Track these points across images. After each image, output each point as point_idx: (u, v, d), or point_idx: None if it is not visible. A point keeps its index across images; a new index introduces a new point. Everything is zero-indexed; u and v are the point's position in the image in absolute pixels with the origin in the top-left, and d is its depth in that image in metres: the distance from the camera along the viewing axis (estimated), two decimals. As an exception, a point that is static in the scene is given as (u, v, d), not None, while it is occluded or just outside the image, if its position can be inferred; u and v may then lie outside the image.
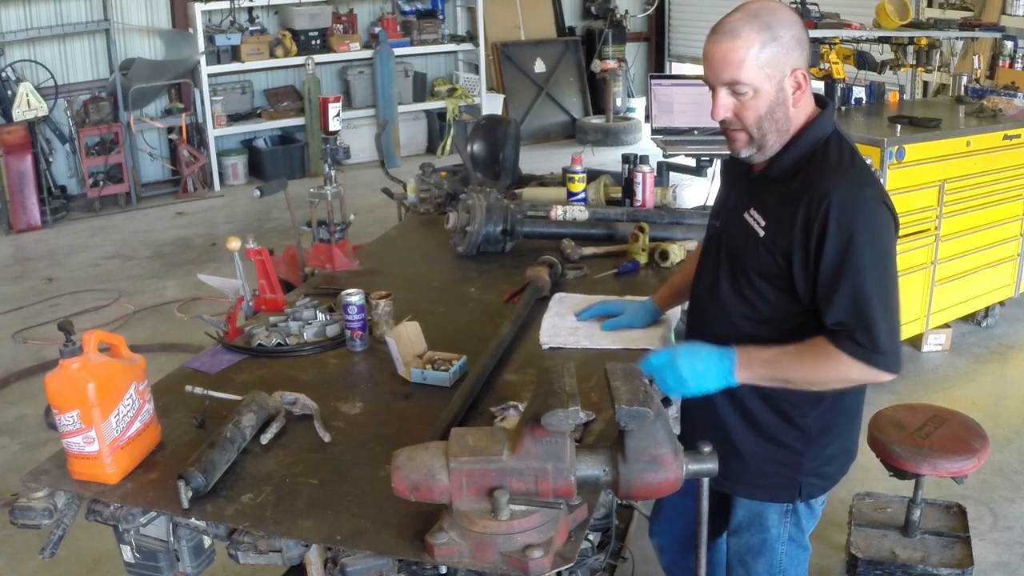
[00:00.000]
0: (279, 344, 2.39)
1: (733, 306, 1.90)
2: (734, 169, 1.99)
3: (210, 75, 7.77)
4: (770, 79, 1.72)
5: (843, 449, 2.00)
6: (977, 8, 6.23)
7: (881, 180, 1.78)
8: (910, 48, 5.00)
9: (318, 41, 8.21)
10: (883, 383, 1.78)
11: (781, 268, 1.79)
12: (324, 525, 1.67)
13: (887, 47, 5.08)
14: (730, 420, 1.93)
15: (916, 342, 4.61)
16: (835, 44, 4.75)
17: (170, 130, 7.79)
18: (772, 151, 1.81)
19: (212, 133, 7.83)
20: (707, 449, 1.60)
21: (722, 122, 1.80)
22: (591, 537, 1.95)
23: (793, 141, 1.80)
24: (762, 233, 1.81)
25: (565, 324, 2.42)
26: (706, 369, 1.77)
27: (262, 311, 2.61)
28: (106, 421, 1.77)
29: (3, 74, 6.98)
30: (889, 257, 1.79)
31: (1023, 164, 4.48)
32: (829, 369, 1.74)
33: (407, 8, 8.83)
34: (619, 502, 2.27)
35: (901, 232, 3.53)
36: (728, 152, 1.92)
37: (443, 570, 1.61)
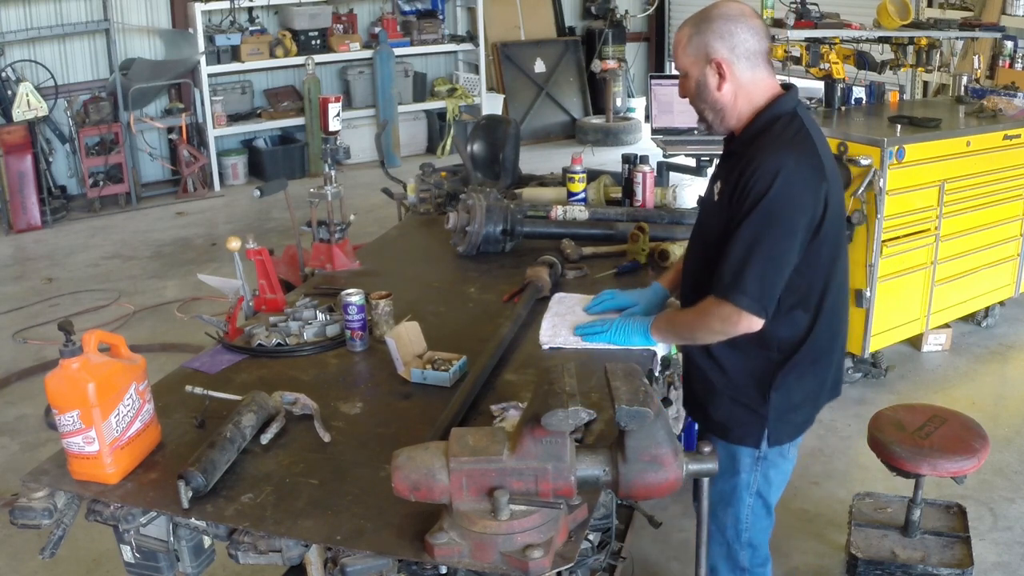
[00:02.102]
0: (279, 344, 2.39)
1: (706, 278, 2.06)
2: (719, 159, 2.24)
3: (210, 75, 7.77)
4: (696, 65, 2.02)
5: (807, 398, 2.14)
6: (977, 8, 6.23)
7: (821, 147, 2.02)
8: (910, 48, 5.00)
9: (318, 41, 8.20)
10: (755, 330, 1.98)
11: (728, 221, 2.00)
12: (324, 525, 1.67)
13: (887, 47, 5.08)
14: (708, 370, 2.15)
15: (916, 342, 4.61)
16: (835, 44, 4.75)
17: (170, 130, 7.79)
18: (716, 127, 2.09)
19: (212, 133, 7.83)
20: (707, 449, 1.60)
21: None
22: (591, 537, 1.95)
23: (752, 120, 2.03)
24: (717, 198, 2.07)
25: (565, 324, 2.42)
26: (629, 331, 2.24)
27: (262, 311, 2.61)
28: (106, 421, 1.77)
29: (3, 74, 6.98)
30: (786, 225, 1.94)
31: (1023, 164, 4.47)
32: (708, 317, 2.02)
33: (407, 8, 8.83)
34: (619, 502, 2.27)
35: (901, 232, 3.68)
36: None
37: (443, 570, 1.61)
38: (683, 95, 2.11)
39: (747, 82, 2.00)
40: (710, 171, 4.70)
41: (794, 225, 1.93)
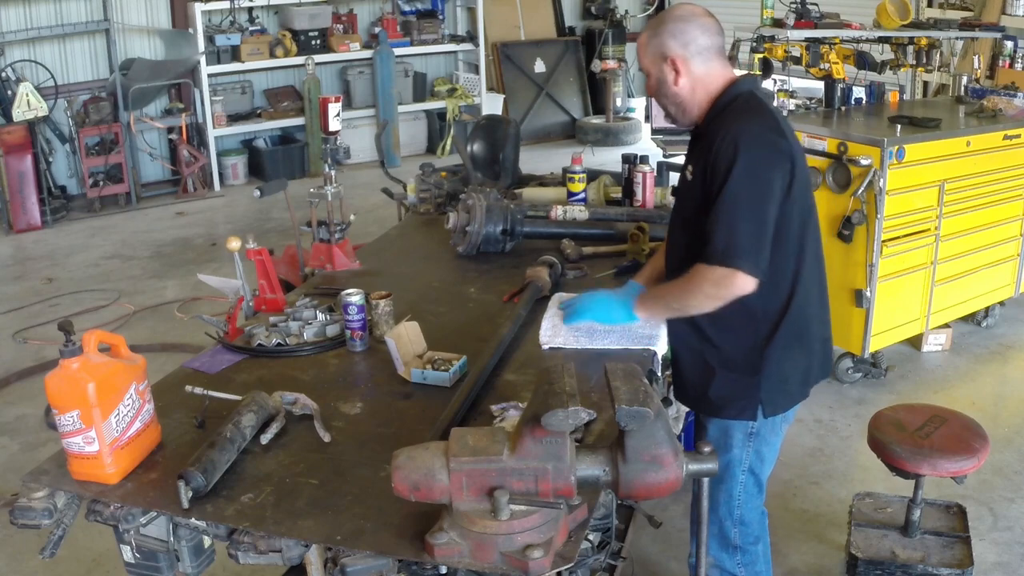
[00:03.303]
0: (279, 344, 2.39)
1: (691, 259, 2.13)
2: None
3: (210, 75, 7.76)
4: (655, 64, 2.17)
5: (797, 370, 2.22)
6: (977, 8, 6.23)
7: (781, 120, 2.17)
8: (910, 48, 5.00)
9: (318, 41, 8.20)
10: (748, 291, 2.03)
11: (704, 198, 2.09)
12: (324, 525, 1.67)
13: (887, 47, 5.08)
14: (703, 351, 2.20)
15: (916, 342, 4.61)
16: (835, 44, 4.75)
17: (170, 130, 7.79)
18: (680, 119, 2.22)
19: (212, 133, 7.83)
20: (707, 449, 1.60)
21: None
22: (591, 537, 1.95)
23: (712, 105, 2.15)
24: (691, 178, 2.18)
25: (565, 324, 2.42)
26: (611, 307, 2.28)
27: (262, 311, 2.61)
28: (106, 421, 1.77)
29: (3, 74, 6.98)
30: (762, 182, 2.04)
31: (1023, 164, 4.47)
32: (702, 282, 2.06)
33: (407, 8, 8.83)
34: (619, 502, 2.27)
35: (900, 232, 3.71)
36: None
37: (443, 570, 1.61)
38: (650, 95, 2.28)
39: (702, 75, 2.14)
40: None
41: (770, 182, 2.04)
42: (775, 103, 4.83)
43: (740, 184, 2.00)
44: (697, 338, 2.20)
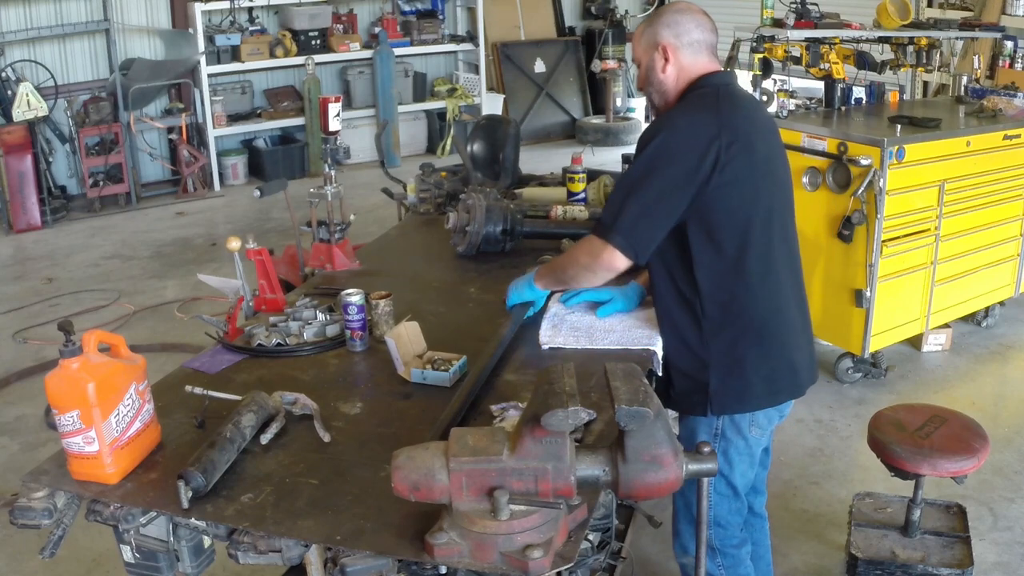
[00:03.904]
0: (279, 344, 2.39)
1: (656, 258, 2.21)
2: None
3: (210, 75, 7.77)
4: (646, 52, 2.23)
5: (757, 375, 2.21)
6: (977, 8, 6.23)
7: (746, 110, 2.20)
8: (910, 48, 4.99)
9: (318, 41, 8.21)
10: (619, 268, 2.15)
11: None
12: (324, 525, 1.67)
13: (887, 47, 5.07)
14: (670, 349, 2.26)
15: (916, 342, 4.61)
16: (835, 44, 4.75)
17: (170, 130, 7.80)
18: (660, 108, 2.26)
19: (212, 133, 7.83)
20: (707, 449, 1.60)
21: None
22: (591, 537, 1.95)
23: (683, 94, 2.20)
24: None
25: (565, 324, 2.42)
26: (520, 287, 2.42)
27: (262, 311, 2.61)
28: (106, 421, 1.77)
29: (3, 74, 6.98)
30: (667, 166, 2.07)
31: (1023, 164, 4.47)
32: (577, 251, 2.22)
33: (407, 8, 8.83)
34: (619, 502, 2.27)
35: (900, 232, 3.69)
36: None
37: (443, 570, 1.61)
38: (639, 87, 2.35)
39: (688, 65, 2.19)
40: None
41: (670, 176, 2.07)
42: (774, 103, 4.82)
43: (639, 171, 2.09)
44: (672, 336, 2.26)
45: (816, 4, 4.81)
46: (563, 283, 2.35)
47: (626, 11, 9.47)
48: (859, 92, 4.89)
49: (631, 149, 2.70)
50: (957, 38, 5.50)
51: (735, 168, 2.06)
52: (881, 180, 3.88)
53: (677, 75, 2.19)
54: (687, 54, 2.18)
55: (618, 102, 9.42)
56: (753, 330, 2.18)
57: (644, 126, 8.95)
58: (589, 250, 2.16)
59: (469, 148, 3.75)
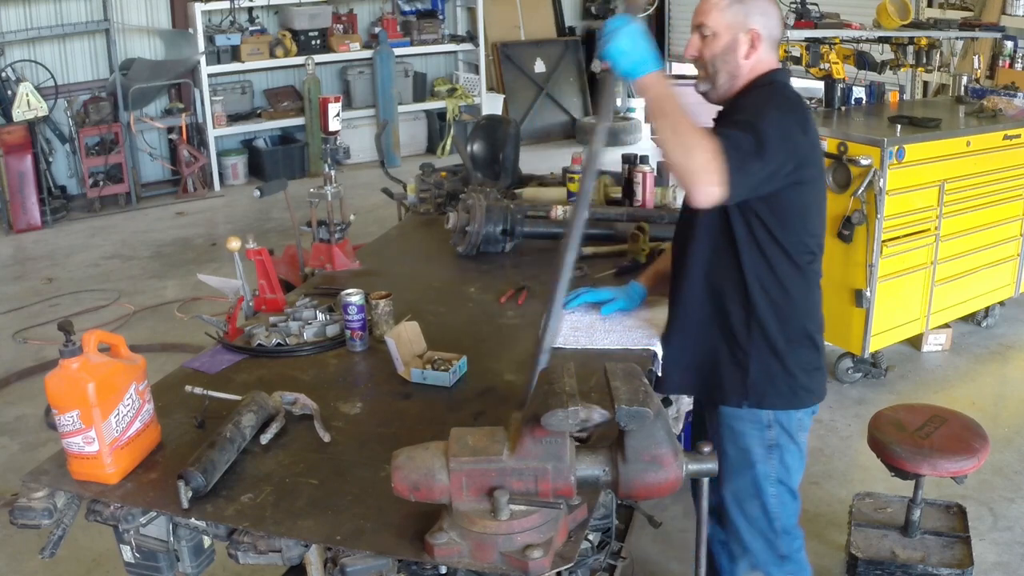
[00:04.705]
0: (279, 344, 2.39)
1: (705, 244, 2.15)
2: None
3: (210, 75, 7.77)
4: (729, 29, 2.09)
5: (808, 375, 2.20)
6: (977, 8, 6.23)
7: (810, 115, 2.14)
8: (910, 48, 5.00)
9: (318, 41, 8.20)
10: (707, 201, 1.91)
11: None
12: (324, 525, 1.67)
13: (887, 47, 5.07)
14: (718, 334, 2.19)
15: (916, 342, 4.61)
16: (835, 44, 4.75)
17: (170, 130, 7.80)
18: (721, 89, 2.15)
19: (212, 133, 7.83)
20: (707, 449, 1.60)
21: (691, 61, 2.19)
22: (591, 537, 1.95)
23: (751, 85, 2.13)
24: None
25: (565, 324, 2.42)
26: (642, 50, 1.98)
27: (262, 311, 2.61)
28: (106, 421, 1.77)
29: (3, 74, 6.98)
30: (787, 135, 2.00)
31: (1023, 164, 4.47)
32: (695, 143, 1.89)
33: (407, 8, 8.83)
34: (619, 502, 2.27)
35: (900, 232, 3.66)
36: None
37: (443, 570, 1.61)
38: (697, 53, 2.15)
39: (764, 59, 2.13)
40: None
41: (794, 142, 2.00)
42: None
43: (771, 121, 1.96)
44: (708, 328, 2.20)
45: (816, 4, 4.81)
46: (661, 124, 1.92)
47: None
48: (859, 92, 4.90)
49: (631, 149, 2.68)
50: (957, 38, 5.50)
51: (814, 168, 2.09)
52: (881, 180, 3.88)
53: (754, 65, 2.12)
54: (766, 48, 2.12)
55: (618, 102, 9.42)
56: (802, 329, 2.18)
57: (644, 126, 8.98)
58: (703, 152, 1.86)
59: (469, 148, 3.75)
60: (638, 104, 9.52)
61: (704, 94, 2.21)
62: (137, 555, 1.82)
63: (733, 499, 2.28)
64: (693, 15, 2.17)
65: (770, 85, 2.11)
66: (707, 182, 1.87)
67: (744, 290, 2.13)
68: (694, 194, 1.90)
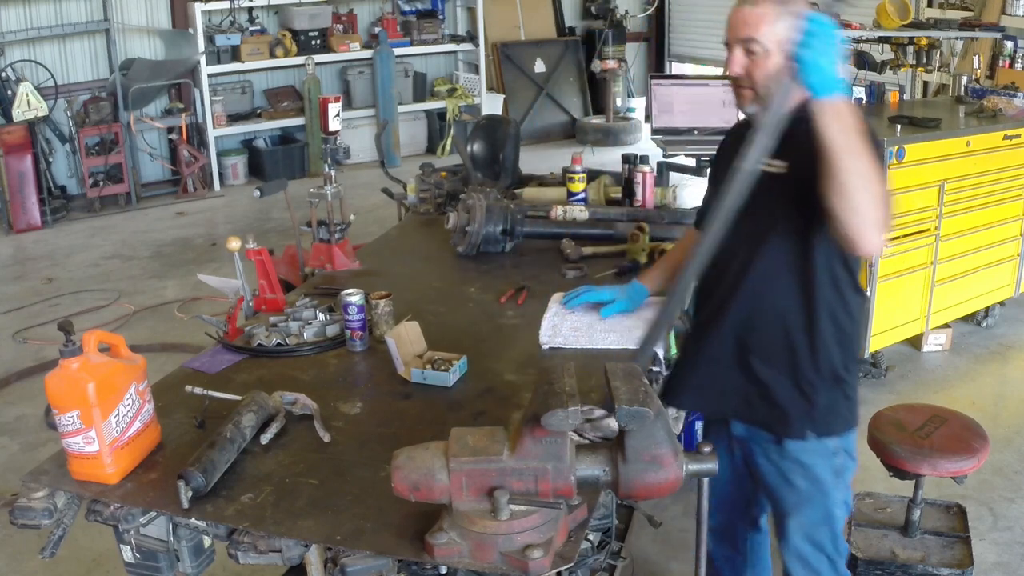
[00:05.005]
0: (279, 344, 2.39)
1: (772, 270, 2.00)
2: (729, 157, 2.03)
3: (210, 75, 7.76)
4: (780, 46, 1.88)
5: (856, 389, 2.12)
6: (977, 8, 6.23)
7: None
8: (910, 48, 5.00)
9: (318, 41, 8.20)
10: (872, 249, 1.81)
11: (809, 184, 1.82)
12: (324, 525, 1.67)
13: (887, 47, 5.08)
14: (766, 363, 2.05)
15: (916, 342, 4.60)
16: (835, 44, 4.75)
17: (170, 130, 7.79)
18: (775, 110, 1.92)
19: (212, 133, 7.83)
20: (707, 449, 1.60)
21: (733, 79, 1.98)
22: (591, 537, 1.95)
23: (800, 105, 1.91)
24: (786, 169, 1.93)
25: (565, 324, 2.42)
26: (836, 66, 1.75)
27: (262, 311, 2.61)
28: (106, 421, 1.77)
29: (3, 74, 6.98)
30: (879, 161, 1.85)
31: (1023, 164, 4.47)
32: (881, 184, 1.75)
33: (407, 8, 8.83)
34: (619, 502, 2.27)
35: (901, 232, 3.61)
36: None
37: (443, 570, 1.61)
38: (742, 72, 1.96)
39: None
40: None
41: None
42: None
43: (874, 157, 1.78)
44: (772, 350, 2.06)
45: (816, 4, 4.80)
46: (849, 161, 1.72)
47: (626, 11, 9.46)
48: (859, 92, 4.90)
49: (631, 149, 2.66)
50: (957, 38, 5.50)
51: None
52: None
53: None
54: None
55: (618, 102, 9.42)
56: (854, 348, 2.10)
57: (644, 126, 8.97)
58: (886, 207, 1.75)
59: (469, 148, 3.75)
60: (638, 104, 9.53)
61: (751, 115, 2.02)
62: (137, 555, 1.82)
63: (800, 529, 2.16)
64: (733, 27, 1.96)
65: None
66: (882, 233, 1.76)
67: (811, 319, 2.01)
68: (866, 245, 1.76)
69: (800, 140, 1.83)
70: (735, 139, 2.10)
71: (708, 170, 2.36)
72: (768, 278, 2.02)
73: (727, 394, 2.14)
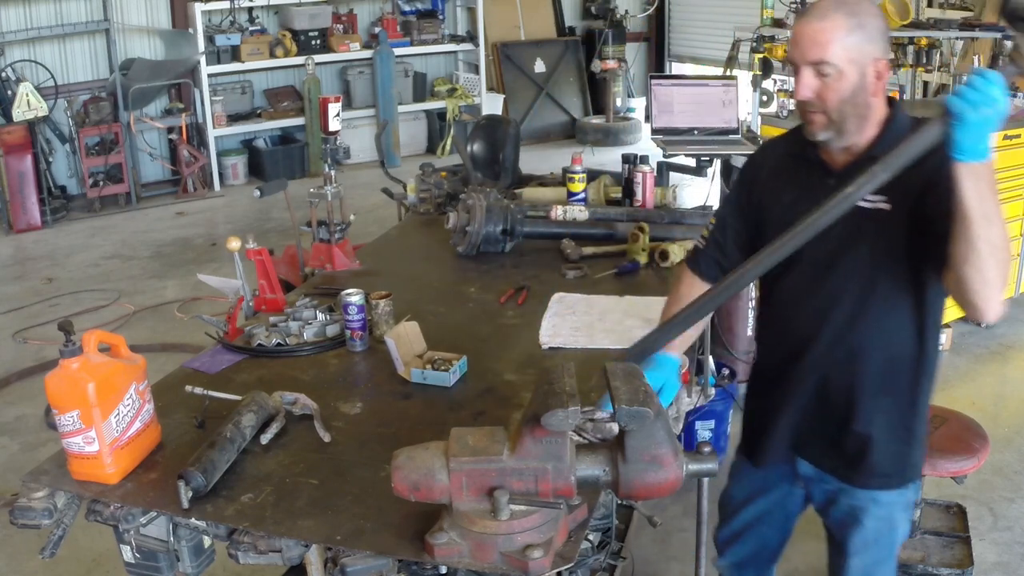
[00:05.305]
0: (279, 344, 2.39)
1: (880, 313, 1.85)
2: (797, 187, 1.89)
3: (210, 75, 7.76)
4: (854, 64, 1.73)
5: None
6: (977, 8, 6.23)
7: None
8: (910, 48, 5.00)
9: (318, 41, 8.20)
10: (995, 317, 1.71)
11: (915, 225, 1.74)
12: (324, 525, 1.67)
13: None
14: (877, 414, 1.90)
15: (916, 342, 4.60)
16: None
17: (170, 130, 7.79)
18: (849, 137, 1.80)
19: (212, 133, 7.83)
20: (707, 450, 1.60)
21: (802, 103, 1.80)
22: (591, 537, 1.95)
23: (887, 126, 1.80)
24: (888, 207, 1.78)
25: (565, 324, 2.42)
26: (989, 134, 1.62)
27: (262, 311, 2.61)
28: (106, 421, 1.77)
29: (3, 74, 6.98)
30: None
31: (1023, 164, 4.47)
32: (1008, 249, 1.65)
33: (407, 8, 8.83)
34: (619, 502, 2.27)
35: None
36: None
37: (443, 570, 1.61)
38: (812, 96, 1.76)
39: (885, 89, 1.81)
40: (710, 171, 4.69)
41: None
42: (774, 103, 4.82)
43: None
44: (881, 399, 1.90)
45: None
46: (989, 228, 1.59)
47: (626, 11, 9.46)
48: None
49: (631, 149, 2.62)
50: (957, 38, 5.50)
51: None
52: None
53: (881, 98, 1.79)
54: (886, 74, 1.78)
55: (618, 102, 9.42)
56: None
57: (644, 126, 8.96)
58: (1008, 270, 1.65)
59: (469, 148, 3.75)
60: (638, 104, 9.53)
61: (821, 143, 1.83)
62: (137, 555, 1.82)
63: (862, 569, 2.03)
64: (800, 46, 1.76)
65: (916, 122, 1.78)
66: (1004, 297, 1.66)
67: (920, 365, 1.90)
68: (990, 313, 1.67)
69: (907, 177, 1.66)
70: (778, 164, 1.96)
71: (729, 193, 2.13)
72: (874, 322, 1.87)
73: (812, 440, 1.99)
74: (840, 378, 1.91)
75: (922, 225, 1.72)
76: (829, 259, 1.85)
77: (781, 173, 1.94)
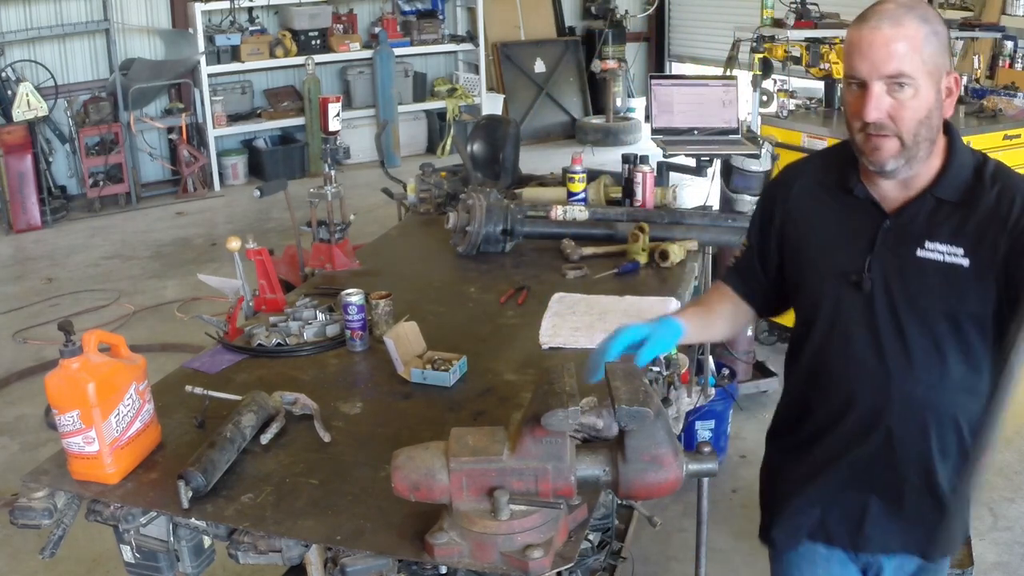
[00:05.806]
0: (279, 344, 2.39)
1: (943, 371, 1.61)
2: (838, 228, 1.66)
3: (210, 75, 7.77)
4: (931, 77, 1.50)
5: None
6: (977, 8, 6.23)
7: None
8: (910, 48, 4.99)
9: (318, 41, 8.21)
10: None
11: (998, 291, 1.53)
12: (324, 525, 1.67)
13: (887, 47, 5.07)
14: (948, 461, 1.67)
15: (916, 342, 4.60)
16: (835, 44, 4.75)
17: (170, 130, 7.80)
18: (917, 165, 1.56)
19: (212, 133, 7.83)
20: (707, 449, 1.60)
21: (869, 125, 1.52)
22: (591, 537, 1.95)
23: (949, 157, 1.59)
24: (967, 263, 1.53)
25: (565, 324, 2.42)
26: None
27: (262, 311, 2.61)
28: (106, 421, 1.77)
29: (3, 74, 6.98)
30: None
31: (1023, 164, 4.47)
32: None
33: (407, 8, 8.83)
34: (619, 502, 2.27)
35: None
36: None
37: (443, 570, 1.61)
38: (887, 117, 1.50)
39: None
40: (710, 171, 4.68)
41: None
42: (774, 103, 4.82)
43: None
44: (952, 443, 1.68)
45: (816, 4, 4.81)
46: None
47: (626, 11, 9.46)
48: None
49: (631, 149, 2.60)
50: (957, 38, 5.50)
51: None
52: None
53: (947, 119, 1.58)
54: (957, 90, 1.58)
55: (618, 102, 9.42)
56: None
57: (644, 126, 8.95)
58: None
59: (469, 148, 3.75)
60: (638, 104, 9.53)
61: (891, 171, 1.55)
62: (137, 555, 1.82)
63: None
64: (870, 58, 1.48)
65: (981, 157, 1.59)
66: None
67: (971, 420, 1.66)
68: None
69: (980, 225, 1.51)
70: (810, 195, 1.71)
71: (754, 221, 1.86)
72: (951, 383, 1.63)
73: (882, 525, 1.71)
74: (909, 439, 1.65)
75: (1006, 290, 1.51)
76: (870, 318, 1.62)
77: (813, 207, 1.70)
